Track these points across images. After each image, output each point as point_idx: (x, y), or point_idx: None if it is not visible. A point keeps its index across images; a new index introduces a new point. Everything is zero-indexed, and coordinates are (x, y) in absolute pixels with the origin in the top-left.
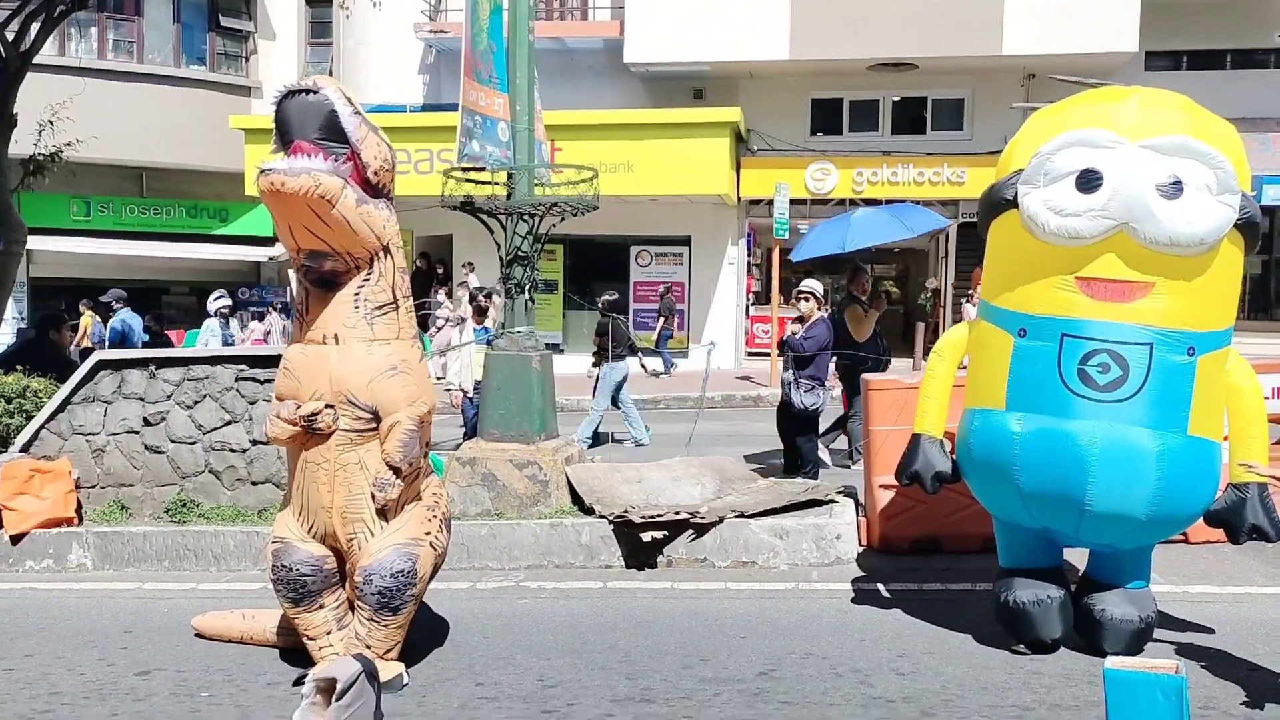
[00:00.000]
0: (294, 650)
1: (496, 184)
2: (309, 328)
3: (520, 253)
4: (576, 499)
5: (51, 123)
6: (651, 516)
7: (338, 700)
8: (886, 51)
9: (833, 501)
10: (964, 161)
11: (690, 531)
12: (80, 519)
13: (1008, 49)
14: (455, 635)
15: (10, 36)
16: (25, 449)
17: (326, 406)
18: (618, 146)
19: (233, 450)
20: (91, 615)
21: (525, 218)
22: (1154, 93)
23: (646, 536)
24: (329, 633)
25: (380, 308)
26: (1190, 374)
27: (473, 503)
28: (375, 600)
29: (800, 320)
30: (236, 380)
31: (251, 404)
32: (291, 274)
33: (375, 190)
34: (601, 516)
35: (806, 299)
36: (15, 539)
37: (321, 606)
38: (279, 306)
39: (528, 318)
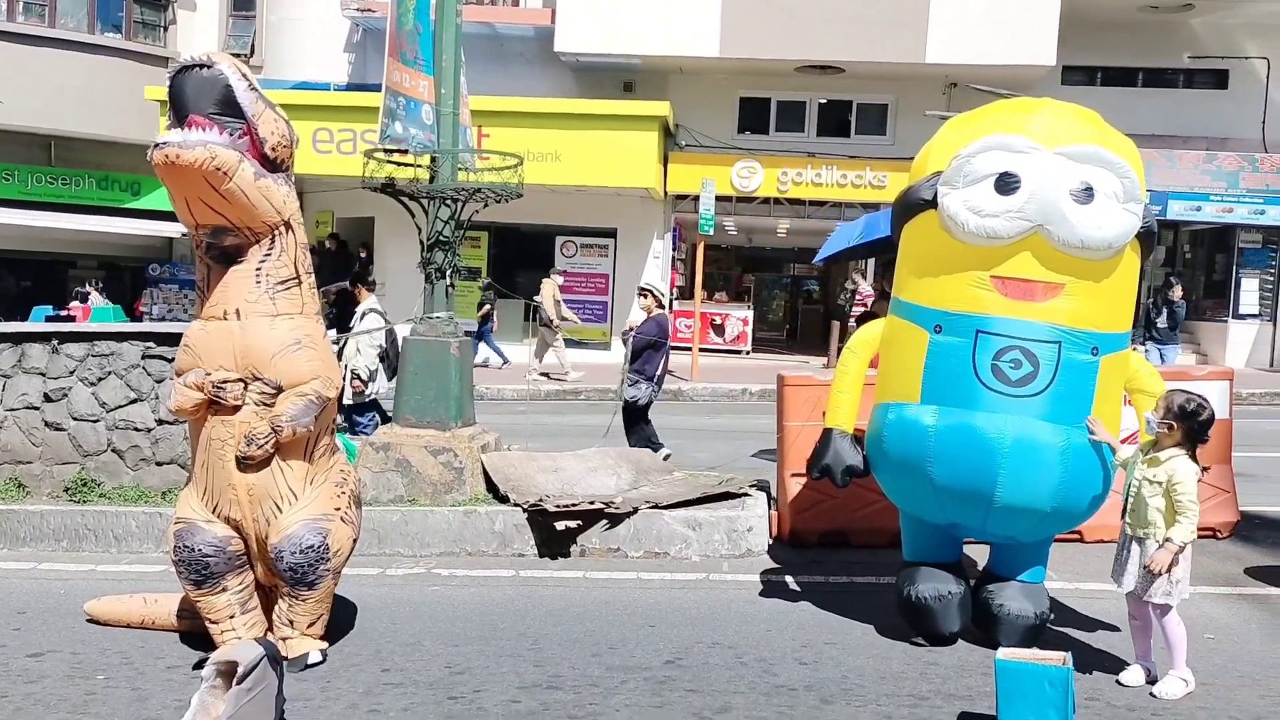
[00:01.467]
0: (196, 634)
1: (419, 167)
2: (210, 304)
3: (441, 238)
4: (492, 487)
5: None
6: (566, 506)
7: (238, 684)
8: (814, 54)
9: (745, 495)
10: (886, 166)
11: (604, 521)
12: None
13: (931, 57)
14: (363, 621)
15: None
16: None
17: (237, 379)
18: (546, 135)
19: (137, 429)
20: None
21: (448, 202)
22: (1063, 105)
23: (561, 525)
24: (232, 616)
25: (283, 282)
26: (1093, 373)
27: (386, 489)
28: (288, 576)
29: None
30: (143, 358)
31: (158, 382)
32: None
33: (274, 165)
34: (516, 505)
35: (644, 295)
36: None
37: (224, 590)
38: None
39: (448, 303)
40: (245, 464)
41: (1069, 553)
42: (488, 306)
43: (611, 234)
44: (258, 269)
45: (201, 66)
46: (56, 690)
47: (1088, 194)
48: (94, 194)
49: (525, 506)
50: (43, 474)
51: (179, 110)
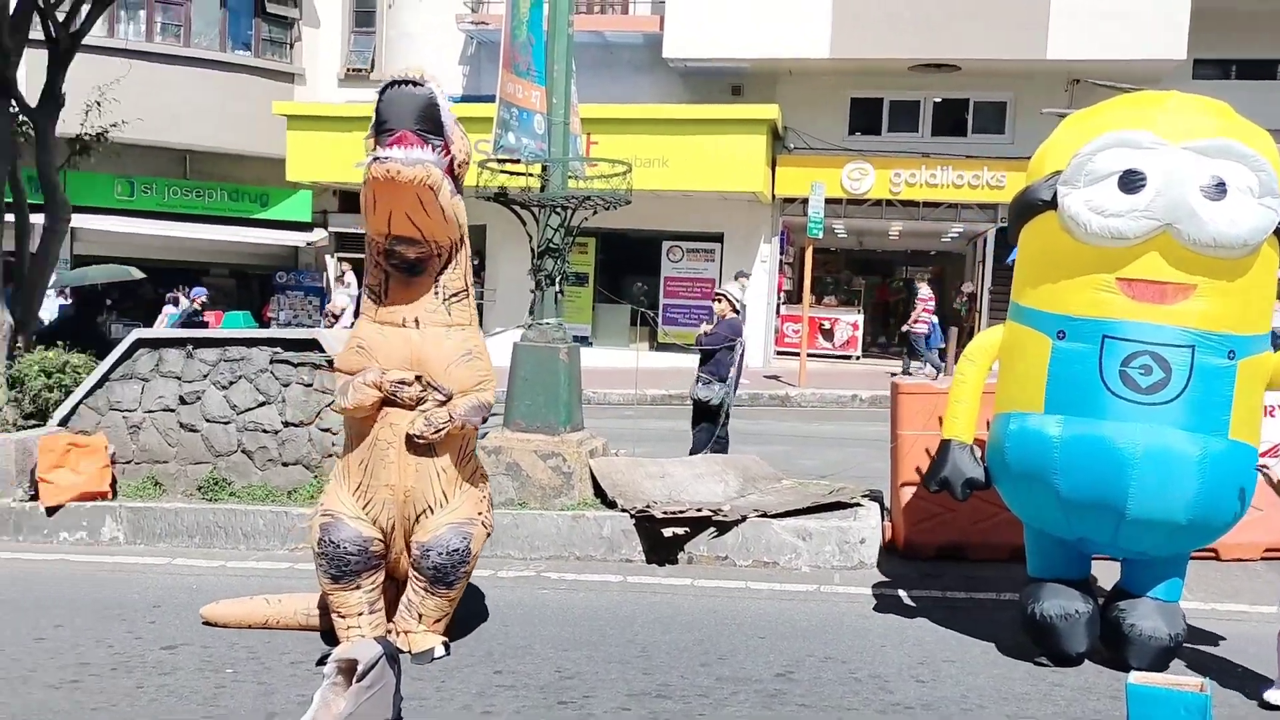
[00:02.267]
0: (327, 632)
1: (530, 176)
2: (388, 310)
3: (551, 245)
4: (599, 492)
5: (99, 103)
6: (673, 512)
7: (358, 681)
8: (929, 52)
9: (857, 505)
10: (1004, 165)
11: (712, 529)
12: (114, 493)
13: (1052, 52)
14: (476, 622)
15: (60, 17)
16: (63, 423)
17: (416, 378)
18: (653, 141)
19: (265, 431)
20: (121, 588)
21: (558, 210)
22: (1190, 97)
23: (668, 532)
24: (360, 614)
25: (455, 295)
26: (1231, 377)
27: (497, 492)
28: (431, 574)
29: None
30: (271, 363)
31: (285, 386)
32: (337, 262)
33: (456, 182)
34: (623, 510)
35: (719, 300)
36: (50, 511)
37: (358, 587)
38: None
39: (557, 310)
40: (414, 444)
41: (1205, 571)
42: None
43: (718, 238)
44: (436, 280)
45: (412, 83)
46: (188, 682)
47: (1220, 189)
48: (225, 205)
49: (632, 512)
50: (177, 473)
51: (384, 124)
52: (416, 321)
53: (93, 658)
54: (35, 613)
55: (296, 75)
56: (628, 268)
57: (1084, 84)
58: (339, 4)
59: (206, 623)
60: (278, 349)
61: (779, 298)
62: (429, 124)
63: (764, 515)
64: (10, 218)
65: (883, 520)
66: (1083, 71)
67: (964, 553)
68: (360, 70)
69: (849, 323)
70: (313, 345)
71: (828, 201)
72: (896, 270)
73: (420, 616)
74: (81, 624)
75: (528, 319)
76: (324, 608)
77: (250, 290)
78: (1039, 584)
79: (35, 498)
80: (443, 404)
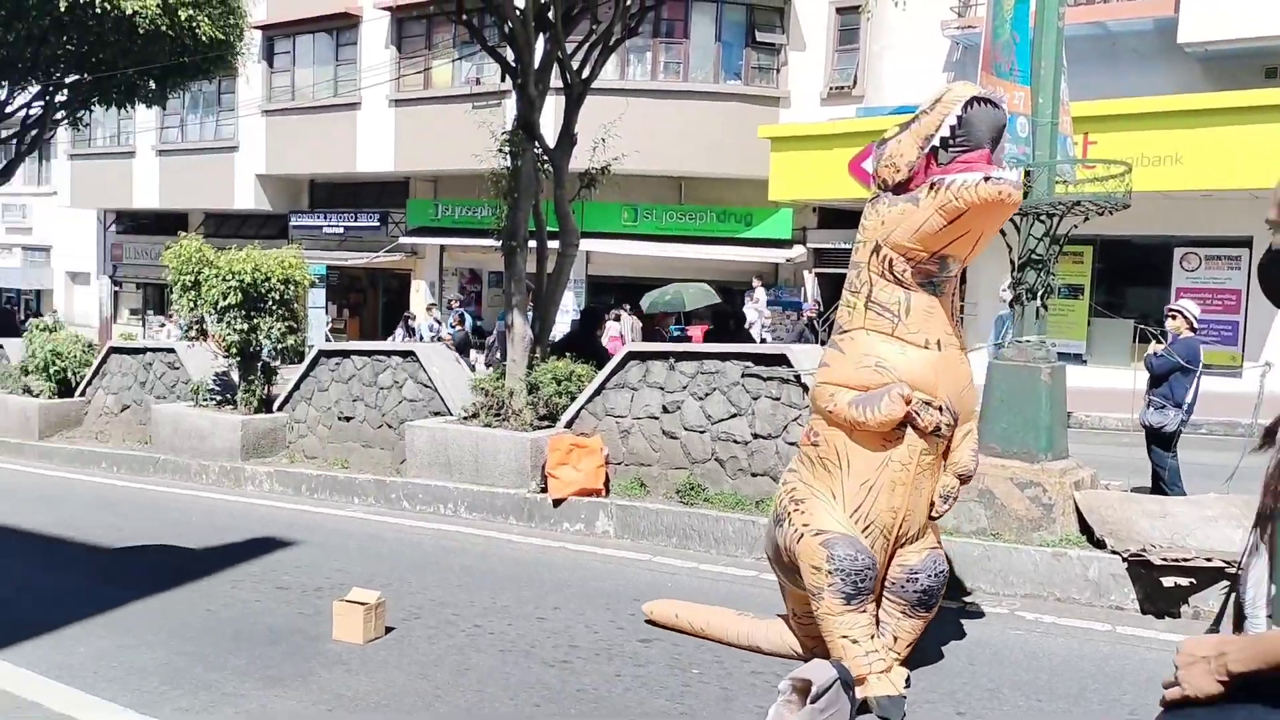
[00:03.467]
0: (745, 649)
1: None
2: (910, 330)
3: (1034, 256)
4: (1085, 528)
5: (604, 140)
6: (1176, 559)
7: (812, 703)
8: None
9: None
10: None
11: (1224, 582)
12: (607, 491)
13: None
14: (937, 656)
15: (574, 65)
16: (568, 425)
17: (938, 406)
18: (1164, 137)
19: (736, 442)
20: (609, 579)
21: (1041, 218)
22: None
23: (1168, 581)
24: (870, 637)
25: (959, 316)
26: None
27: (967, 519)
28: (919, 598)
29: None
30: (742, 376)
31: (754, 399)
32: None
33: None
34: (1114, 552)
35: (1174, 317)
36: (556, 503)
37: (866, 609)
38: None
39: (1038, 326)
40: (934, 519)
41: None
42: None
43: (1245, 243)
44: (952, 301)
45: (991, 103)
46: (659, 677)
47: None
48: (713, 226)
49: (1125, 555)
50: (659, 476)
51: (962, 139)
52: (939, 343)
53: (581, 641)
54: (540, 594)
55: (781, 99)
56: (1131, 278)
57: None
58: (823, 25)
59: (649, 621)
60: (748, 363)
61: None
62: (996, 145)
63: None
64: (533, 245)
65: None
66: None
67: None
68: (842, 88)
69: None
70: (781, 360)
71: None
72: None
73: (895, 639)
74: (575, 609)
75: (990, 340)
76: (771, 636)
77: (733, 303)
78: None
79: (544, 490)
80: (949, 427)
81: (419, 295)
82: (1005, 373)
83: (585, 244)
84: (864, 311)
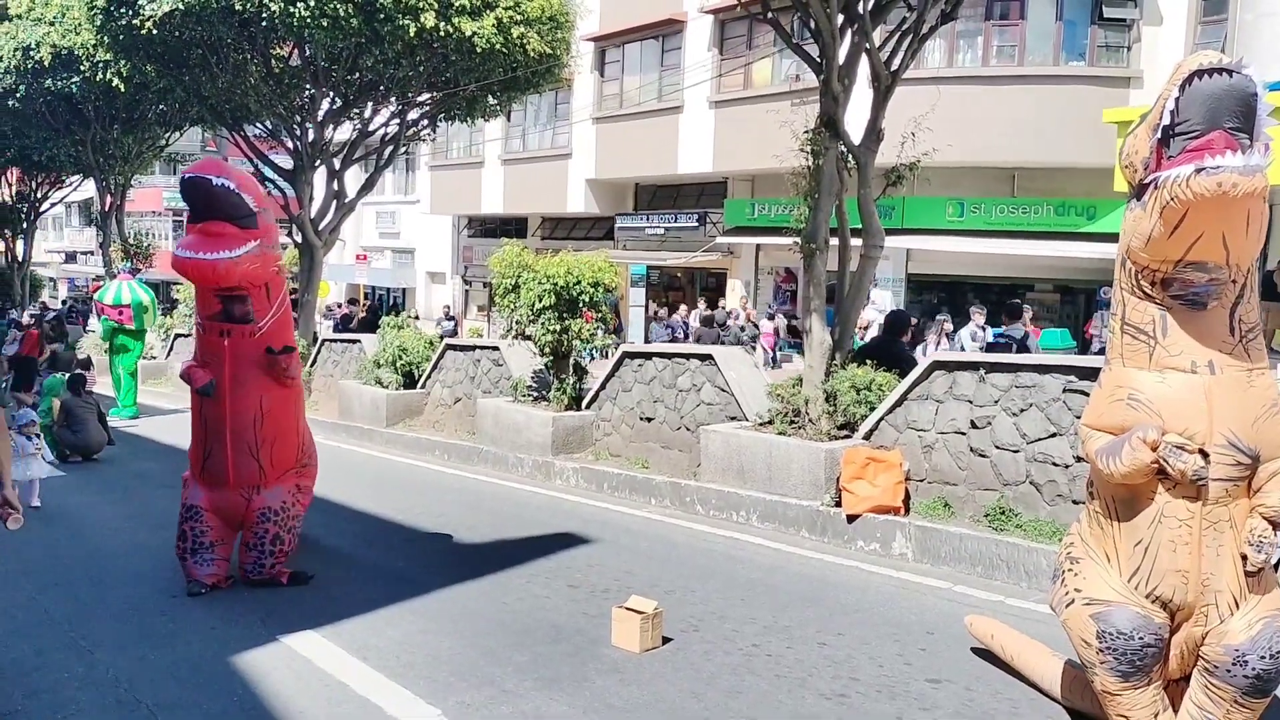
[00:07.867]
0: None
1: None
2: (1170, 353)
3: None
4: None
5: (914, 134)
6: None
7: None
8: None
9: None
10: None
11: None
12: (906, 510)
13: None
14: None
15: (884, 56)
16: (866, 437)
17: (1195, 450)
18: None
19: (1055, 464)
20: (901, 607)
21: None
22: None
23: None
24: (1156, 715)
25: (1251, 329)
26: None
27: None
28: (1250, 684)
29: None
30: (1064, 391)
31: (1078, 418)
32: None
33: None
34: None
35: None
36: (850, 519)
37: (1150, 684)
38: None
39: None
40: (1250, 574)
41: None
42: None
43: None
44: (1232, 313)
45: (1225, 71)
46: None
47: None
48: (1050, 220)
49: None
50: (966, 497)
51: (1189, 124)
52: (1210, 365)
53: (863, 674)
54: (824, 617)
55: (1132, 79)
56: None
57: None
58: None
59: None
60: (1071, 377)
61: None
62: (1242, 121)
63: None
64: (835, 243)
65: None
66: None
67: None
68: None
69: None
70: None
71: None
72: None
73: None
74: (859, 636)
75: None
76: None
77: (1075, 305)
78: None
79: (838, 504)
80: (1248, 469)
81: (734, 294)
82: None
83: (906, 241)
84: (1120, 336)
